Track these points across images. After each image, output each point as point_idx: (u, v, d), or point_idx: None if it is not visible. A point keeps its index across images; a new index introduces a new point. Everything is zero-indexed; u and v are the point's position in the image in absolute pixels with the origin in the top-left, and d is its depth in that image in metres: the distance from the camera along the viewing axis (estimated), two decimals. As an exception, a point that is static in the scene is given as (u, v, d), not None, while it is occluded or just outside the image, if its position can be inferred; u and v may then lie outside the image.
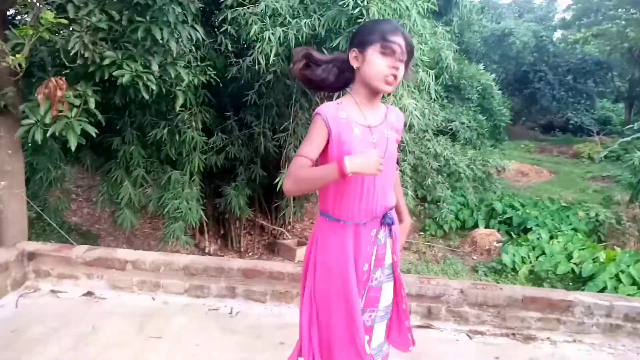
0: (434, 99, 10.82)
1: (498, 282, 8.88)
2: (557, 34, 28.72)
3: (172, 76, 4.69)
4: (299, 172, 1.68)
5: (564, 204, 12.40)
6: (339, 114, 1.72)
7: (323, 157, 1.77)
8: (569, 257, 8.93)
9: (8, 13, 4.62)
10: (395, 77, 1.68)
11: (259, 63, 5.55)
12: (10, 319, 2.93)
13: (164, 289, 3.32)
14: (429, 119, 9.63)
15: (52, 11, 3.79)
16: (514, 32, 23.21)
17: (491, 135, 17.02)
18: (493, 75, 17.93)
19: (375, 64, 1.67)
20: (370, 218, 1.79)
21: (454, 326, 3.12)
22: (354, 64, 1.73)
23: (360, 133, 1.74)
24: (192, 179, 6.89)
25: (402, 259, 9.84)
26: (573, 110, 25.46)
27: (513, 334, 3.06)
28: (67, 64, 4.37)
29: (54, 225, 6.50)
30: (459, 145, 13.25)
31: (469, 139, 14.66)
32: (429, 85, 6.56)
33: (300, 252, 9.06)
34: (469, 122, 14.78)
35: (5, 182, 5.18)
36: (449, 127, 13.67)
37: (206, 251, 8.34)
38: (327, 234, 1.81)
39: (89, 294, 3.30)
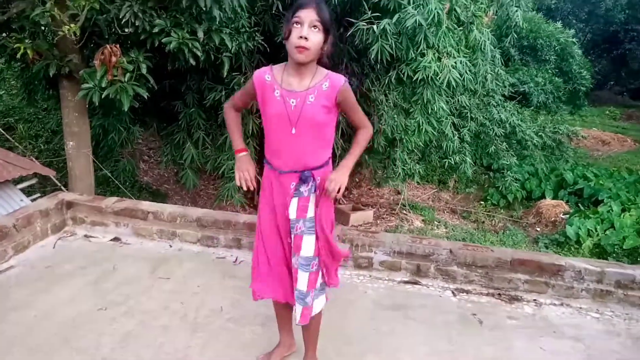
0: (501, 63, 10.41)
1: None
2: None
3: (217, 43, 4.84)
4: (228, 114, 2.28)
5: (643, 175, 11.55)
6: (265, 77, 2.04)
7: (261, 107, 2.10)
8: (640, 231, 8.41)
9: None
10: (303, 46, 1.87)
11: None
12: (47, 257, 3.34)
13: (180, 238, 3.64)
14: (493, 83, 9.29)
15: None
16: (604, -13, 21.40)
17: (570, 100, 15.97)
18: (572, 31, 16.56)
19: (290, 37, 1.90)
20: (288, 169, 2.07)
21: (442, 284, 3.19)
22: (284, 40, 1.96)
23: (280, 95, 2.00)
24: (247, 141, 7.14)
25: (460, 227, 9.77)
26: (669, 74, 23.28)
27: (499, 294, 3.10)
28: (119, 32, 4.65)
29: (116, 182, 7.02)
30: (528, 111, 12.59)
31: (543, 103, 13.86)
32: (484, 45, 6.31)
33: (355, 217, 9.16)
34: (544, 84, 13.94)
35: (73, 142, 5.69)
36: (521, 90, 13.01)
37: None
38: (264, 175, 2.19)
39: (116, 239, 3.69)
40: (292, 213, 2.06)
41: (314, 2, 1.89)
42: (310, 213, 2.07)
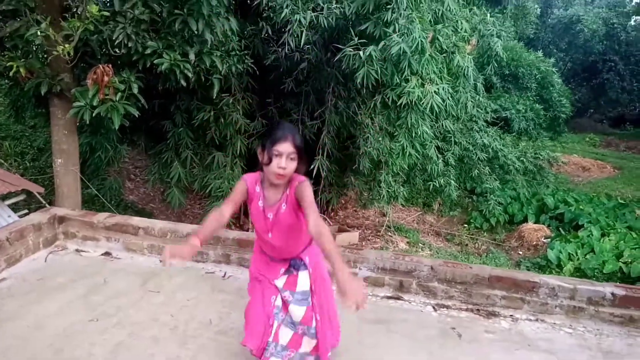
0: (483, 90, 10.71)
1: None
2: (632, 22, 26.97)
3: (208, 65, 4.97)
4: (214, 212, 2.30)
5: (621, 201, 11.84)
6: (255, 186, 2.33)
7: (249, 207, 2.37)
8: (619, 255, 8.59)
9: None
10: (282, 174, 2.17)
11: (289, 45, 5.77)
12: (39, 270, 3.41)
13: (170, 253, 3.68)
14: (475, 109, 9.53)
15: (98, 4, 4.14)
16: (582, 19, 22.08)
17: (550, 127, 16.39)
18: (553, 60, 17.10)
19: (269, 164, 2.18)
20: (277, 258, 2.37)
21: (423, 299, 3.29)
22: (260, 158, 2.26)
23: (260, 206, 2.30)
24: (234, 161, 7.25)
25: (444, 250, 9.89)
26: (646, 102, 24.07)
27: (477, 310, 3.23)
28: (112, 52, 4.76)
29: (103, 199, 7.04)
30: (510, 136, 12.90)
31: (524, 129, 14.23)
32: (466, 71, 6.55)
33: (340, 238, 9.24)
34: (525, 111, 14.33)
35: (61, 160, 5.73)
36: (503, 116, 13.36)
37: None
38: (255, 246, 2.50)
39: (107, 254, 3.73)
40: (280, 284, 2.33)
41: (290, 135, 2.18)
42: (301, 287, 2.32)
